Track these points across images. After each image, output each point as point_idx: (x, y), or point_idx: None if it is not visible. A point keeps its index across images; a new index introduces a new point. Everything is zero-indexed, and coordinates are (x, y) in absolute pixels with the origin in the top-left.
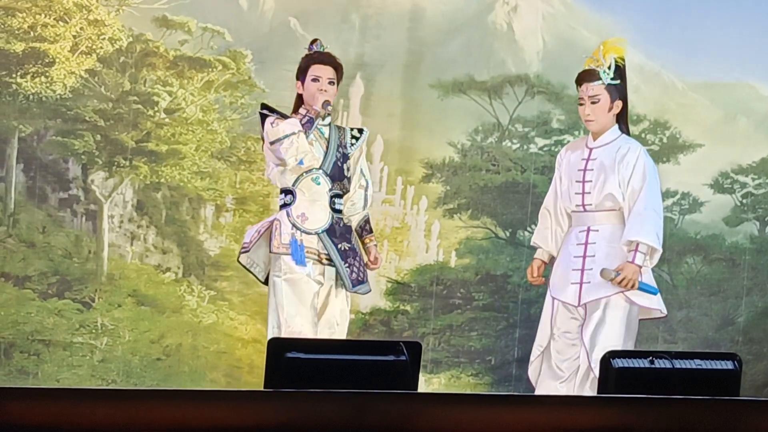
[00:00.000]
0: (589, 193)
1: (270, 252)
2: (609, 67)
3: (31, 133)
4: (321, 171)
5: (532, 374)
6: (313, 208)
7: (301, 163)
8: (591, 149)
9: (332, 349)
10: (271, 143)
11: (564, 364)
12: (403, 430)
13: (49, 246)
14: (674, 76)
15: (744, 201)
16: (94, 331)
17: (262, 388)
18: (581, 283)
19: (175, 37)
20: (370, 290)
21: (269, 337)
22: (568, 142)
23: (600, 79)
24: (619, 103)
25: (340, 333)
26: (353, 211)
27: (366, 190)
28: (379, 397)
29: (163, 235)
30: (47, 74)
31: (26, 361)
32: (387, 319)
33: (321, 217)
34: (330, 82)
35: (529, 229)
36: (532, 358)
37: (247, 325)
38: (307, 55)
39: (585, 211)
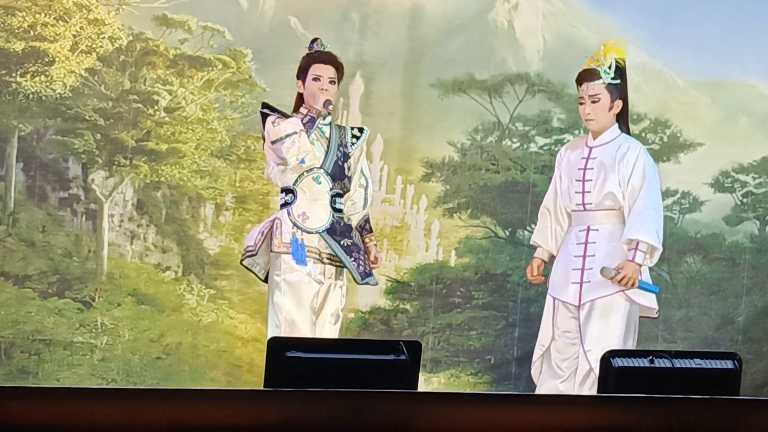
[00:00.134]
0: (589, 192)
1: (271, 251)
2: (609, 67)
3: (31, 132)
4: (322, 170)
5: (535, 374)
6: (314, 207)
7: (302, 162)
8: (591, 148)
9: (332, 349)
10: (273, 142)
11: (564, 364)
12: (402, 430)
13: (49, 245)
14: (675, 74)
15: (744, 200)
16: (94, 330)
17: (262, 387)
18: (581, 283)
19: (175, 35)
20: (377, 282)
21: (269, 336)
22: (569, 141)
23: (600, 78)
24: (619, 103)
25: (335, 330)
26: (353, 210)
27: (366, 190)
28: (379, 397)
29: (163, 234)
30: (47, 73)
31: (27, 360)
32: (387, 318)
33: (322, 217)
34: (331, 82)
35: (528, 228)
36: (534, 358)
37: (246, 324)
38: (307, 54)
39: (585, 210)
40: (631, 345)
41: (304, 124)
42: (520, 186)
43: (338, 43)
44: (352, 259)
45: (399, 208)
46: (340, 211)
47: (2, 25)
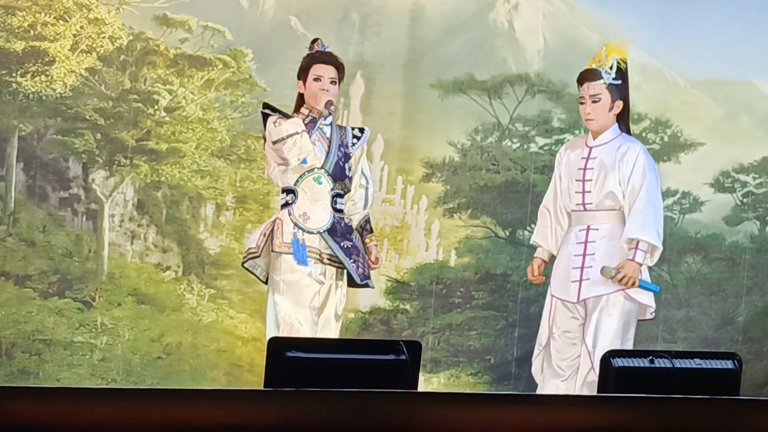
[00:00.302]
0: (590, 192)
1: (272, 251)
2: (611, 67)
3: (32, 132)
4: (323, 170)
5: (536, 372)
6: (315, 207)
7: (304, 162)
8: (591, 148)
9: (332, 349)
10: (274, 143)
11: (564, 363)
12: (402, 430)
13: (50, 245)
14: (676, 73)
15: (744, 200)
16: (94, 330)
17: (262, 387)
18: (581, 281)
19: (175, 35)
20: (374, 286)
21: (269, 336)
22: (569, 141)
23: (602, 78)
24: (619, 103)
25: (335, 331)
26: (354, 210)
27: (366, 190)
28: (379, 397)
29: (164, 234)
30: (47, 73)
31: (27, 360)
32: (387, 318)
33: (323, 217)
34: (332, 82)
35: (528, 228)
36: (533, 357)
37: (247, 324)
38: (308, 54)
39: (585, 210)
40: (629, 344)
41: (305, 125)
42: (521, 186)
43: (339, 43)
44: (352, 260)
45: (399, 208)
46: (340, 211)
47: (2, 25)
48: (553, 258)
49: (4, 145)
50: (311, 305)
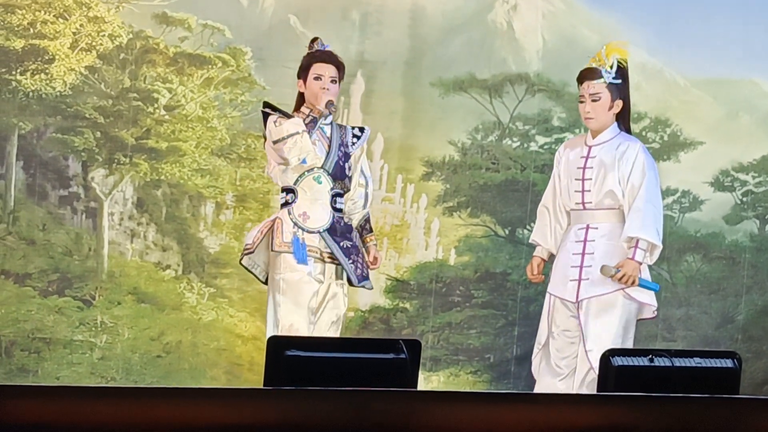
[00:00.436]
0: (589, 191)
1: (271, 250)
2: (611, 67)
3: (31, 131)
4: (323, 170)
5: (535, 371)
6: (315, 206)
7: (304, 162)
8: (590, 147)
9: (332, 347)
10: (275, 142)
11: (563, 362)
12: (402, 429)
13: (50, 243)
14: (676, 72)
15: (744, 199)
16: (94, 328)
17: (261, 386)
18: (580, 280)
19: (175, 33)
20: (372, 287)
21: (269, 335)
22: (568, 139)
23: (602, 77)
24: (619, 103)
25: (336, 331)
26: (354, 209)
27: (366, 189)
28: (379, 396)
29: (163, 233)
30: (47, 71)
31: (27, 359)
32: (386, 317)
33: (322, 216)
34: (332, 81)
35: (528, 227)
36: (533, 356)
37: (246, 322)
38: (308, 53)
39: (584, 209)
40: (629, 343)
41: (306, 125)
42: (520, 185)
43: (338, 42)
44: (350, 261)
45: (399, 207)
46: (340, 210)
47: (2, 23)
48: (552, 257)
49: (3, 144)
50: (311, 304)
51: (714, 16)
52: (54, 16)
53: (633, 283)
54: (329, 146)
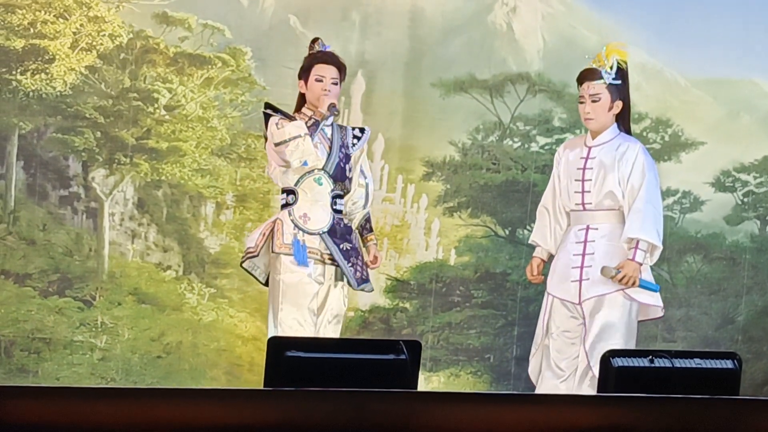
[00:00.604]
0: (589, 191)
1: (272, 252)
2: (611, 67)
3: (32, 131)
4: (323, 171)
5: (532, 372)
6: (315, 208)
7: (305, 164)
8: (590, 148)
9: (332, 348)
10: (276, 144)
11: (563, 363)
12: (402, 429)
13: (50, 244)
14: (677, 73)
15: (745, 200)
16: (94, 329)
17: (262, 387)
18: (580, 281)
19: (175, 33)
20: (373, 289)
21: (269, 336)
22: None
23: (601, 78)
24: (619, 104)
25: (336, 331)
26: (354, 209)
27: (366, 188)
28: (379, 396)
29: (164, 233)
30: (47, 71)
31: (27, 359)
32: (386, 317)
33: (323, 218)
34: (333, 83)
35: (528, 227)
36: (530, 357)
37: (247, 323)
38: (310, 54)
39: (584, 209)
40: (632, 344)
41: (308, 127)
42: (521, 186)
43: (338, 42)
44: (350, 264)
45: (399, 207)
46: (340, 212)
47: (2, 23)
48: (551, 257)
49: (4, 144)
50: (311, 305)
51: (714, 16)
52: (54, 15)
53: (633, 284)
54: (330, 148)
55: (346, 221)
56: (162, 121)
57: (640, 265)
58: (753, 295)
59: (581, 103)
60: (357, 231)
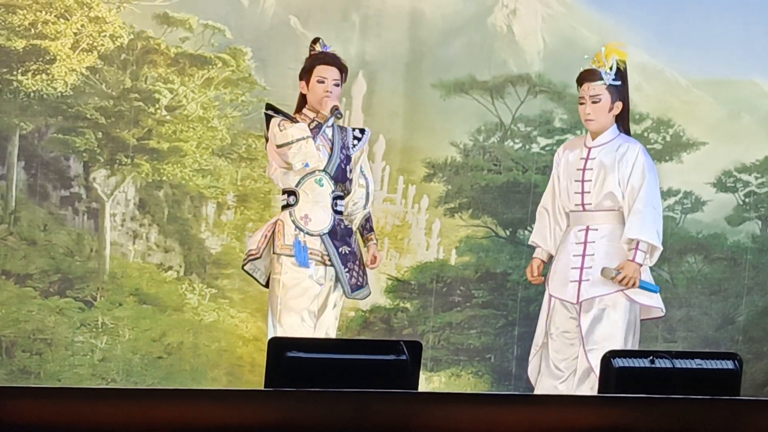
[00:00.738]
0: (589, 192)
1: (273, 252)
2: (611, 68)
3: (32, 131)
4: (324, 173)
5: (532, 373)
6: (316, 209)
7: (306, 165)
8: (590, 148)
9: (333, 349)
10: (279, 146)
11: (563, 364)
12: (403, 430)
13: (51, 244)
14: (677, 73)
15: (746, 200)
16: (95, 329)
17: (262, 387)
18: (580, 281)
19: (176, 34)
20: (370, 293)
21: (270, 336)
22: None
23: (601, 79)
24: (619, 104)
25: (334, 332)
26: (355, 210)
27: (367, 189)
28: (380, 397)
29: (165, 234)
30: (48, 71)
31: (28, 360)
32: (387, 317)
33: (323, 219)
34: (335, 84)
35: (529, 228)
36: (530, 357)
37: (248, 323)
38: (312, 55)
39: (584, 210)
40: (632, 345)
41: (311, 130)
42: (522, 186)
43: (339, 42)
44: (346, 269)
45: (400, 207)
46: (340, 213)
47: (3, 23)
48: (552, 258)
49: (5, 144)
50: (312, 307)
51: (714, 16)
52: (55, 16)
53: (634, 284)
54: (331, 149)
55: (346, 222)
56: (163, 121)
57: (640, 266)
58: (754, 295)
59: (581, 104)
60: (357, 231)
